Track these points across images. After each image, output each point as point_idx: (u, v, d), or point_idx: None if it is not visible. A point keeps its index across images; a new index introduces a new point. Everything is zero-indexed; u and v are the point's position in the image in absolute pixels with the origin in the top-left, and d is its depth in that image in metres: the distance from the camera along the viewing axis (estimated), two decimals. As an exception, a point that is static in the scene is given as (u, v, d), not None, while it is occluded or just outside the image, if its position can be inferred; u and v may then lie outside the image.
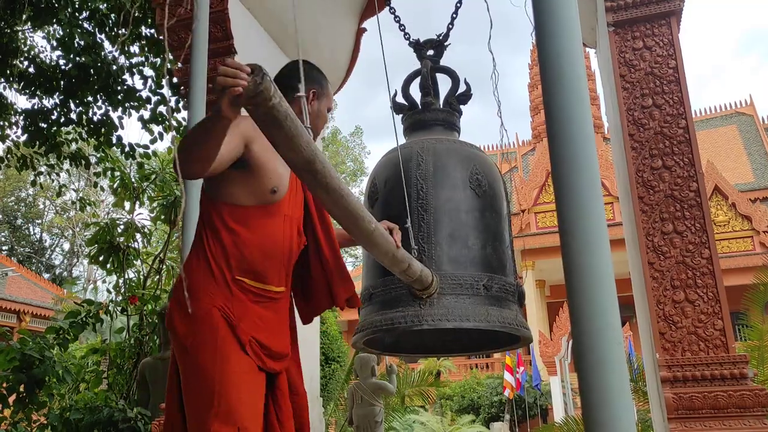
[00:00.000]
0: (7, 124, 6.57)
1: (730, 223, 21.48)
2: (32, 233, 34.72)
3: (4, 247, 32.11)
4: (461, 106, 3.35)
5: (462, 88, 3.34)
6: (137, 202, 6.45)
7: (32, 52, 6.57)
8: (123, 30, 6.03)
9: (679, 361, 2.79)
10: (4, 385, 5.14)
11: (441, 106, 3.29)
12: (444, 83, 3.47)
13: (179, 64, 4.08)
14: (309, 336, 4.05)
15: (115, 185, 6.38)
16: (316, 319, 2.21)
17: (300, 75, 2.02)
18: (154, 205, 6.22)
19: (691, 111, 3.07)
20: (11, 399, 5.16)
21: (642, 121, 3.11)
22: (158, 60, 6.33)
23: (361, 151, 36.05)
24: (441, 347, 3.30)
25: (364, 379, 5.93)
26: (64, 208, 30.64)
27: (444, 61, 3.43)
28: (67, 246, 34.60)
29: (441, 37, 3.49)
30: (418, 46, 3.51)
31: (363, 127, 42.67)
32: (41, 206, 33.52)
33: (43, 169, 7.06)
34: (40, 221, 34.29)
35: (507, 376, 18.06)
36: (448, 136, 3.16)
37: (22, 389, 5.12)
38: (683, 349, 2.81)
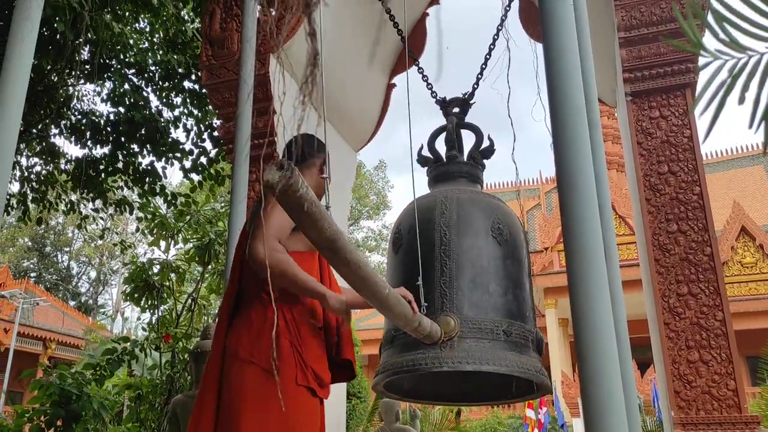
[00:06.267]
0: (57, 171, 6.95)
1: (758, 264, 21.13)
2: (60, 261, 35.46)
3: (32, 274, 32.77)
4: (485, 161, 3.54)
5: (485, 143, 3.53)
6: (172, 242, 6.71)
7: (84, 106, 6.99)
8: (168, 83, 6.39)
9: (693, 420, 2.90)
10: (43, 418, 5.36)
11: (465, 160, 3.47)
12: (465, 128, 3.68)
13: (219, 122, 4.37)
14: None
15: (152, 226, 6.66)
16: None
17: (311, 147, 2.38)
18: (189, 245, 6.48)
19: (705, 178, 3.23)
20: (49, 433, 5.37)
21: (658, 187, 3.27)
22: (199, 113, 6.70)
23: (384, 185, 36.37)
24: (460, 395, 3.36)
25: (389, 423, 6.03)
26: (92, 237, 31.28)
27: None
28: (93, 274, 35.26)
29: (466, 96, 3.70)
30: (444, 104, 3.72)
31: (385, 161, 43.05)
32: (70, 234, 34.28)
33: (89, 213, 7.43)
34: (68, 249, 35.03)
35: (529, 412, 17.92)
36: (472, 188, 3.31)
37: (59, 424, 5.33)
38: (697, 408, 2.92)
